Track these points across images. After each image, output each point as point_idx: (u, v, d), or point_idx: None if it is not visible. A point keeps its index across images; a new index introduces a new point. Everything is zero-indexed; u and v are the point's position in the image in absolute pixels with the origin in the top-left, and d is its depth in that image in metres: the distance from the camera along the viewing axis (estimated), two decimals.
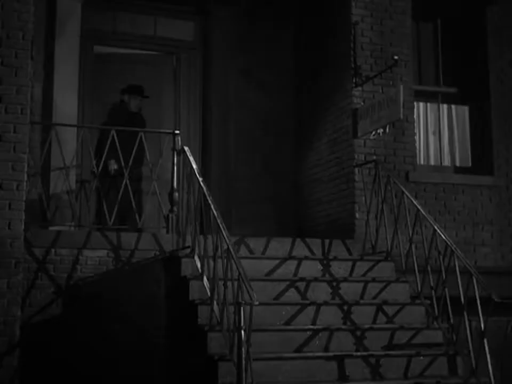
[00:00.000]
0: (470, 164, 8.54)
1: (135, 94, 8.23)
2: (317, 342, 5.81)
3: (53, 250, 6.32)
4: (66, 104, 7.85)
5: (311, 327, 5.92)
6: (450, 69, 8.62)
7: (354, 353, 5.76)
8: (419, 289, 6.49)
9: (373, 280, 6.65)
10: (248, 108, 8.84)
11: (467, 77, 8.61)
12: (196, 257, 6.13)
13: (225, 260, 5.35)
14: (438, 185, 7.96)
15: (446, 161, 8.51)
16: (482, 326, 5.68)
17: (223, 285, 5.35)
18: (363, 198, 7.45)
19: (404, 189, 6.78)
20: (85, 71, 8.28)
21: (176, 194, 6.82)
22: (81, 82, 8.22)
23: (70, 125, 7.59)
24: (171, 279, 6.40)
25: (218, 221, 5.55)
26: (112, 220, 6.57)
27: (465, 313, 5.85)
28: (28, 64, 6.13)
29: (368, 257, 7.07)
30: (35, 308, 6.19)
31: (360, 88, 7.73)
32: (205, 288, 5.81)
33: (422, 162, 8.32)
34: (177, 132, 6.97)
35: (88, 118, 8.26)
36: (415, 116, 8.08)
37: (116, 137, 6.63)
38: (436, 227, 6.29)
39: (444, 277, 6.11)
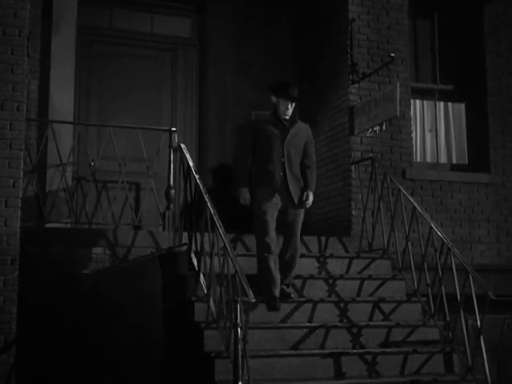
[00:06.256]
0: (467, 161, 8.54)
1: (283, 95, 6.07)
2: (314, 339, 5.81)
3: (49, 247, 6.31)
4: (62, 101, 7.83)
5: (308, 324, 5.92)
6: (447, 66, 8.62)
7: (351, 351, 5.76)
8: (415, 286, 6.49)
9: (370, 277, 6.65)
10: (245, 105, 8.81)
11: (464, 74, 8.61)
12: (193, 255, 6.12)
13: (222, 257, 5.35)
14: (435, 183, 7.97)
15: (443, 159, 8.51)
16: (478, 323, 5.68)
17: (220, 282, 5.35)
18: (359, 196, 7.45)
19: (400, 186, 6.78)
20: (81, 68, 8.25)
21: (173, 191, 6.82)
22: (78, 79, 8.19)
23: (67, 122, 7.57)
24: (167, 276, 6.40)
25: (215, 218, 5.54)
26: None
27: (461, 311, 5.86)
28: (24, 61, 6.11)
29: (365, 254, 7.07)
30: (31, 305, 6.18)
31: (356, 85, 7.73)
32: (202, 285, 5.80)
33: (418, 159, 8.32)
34: (173, 129, 6.96)
35: (84, 115, 8.23)
36: (411, 113, 8.08)
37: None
38: (432, 224, 6.29)
39: (440, 274, 6.11)
